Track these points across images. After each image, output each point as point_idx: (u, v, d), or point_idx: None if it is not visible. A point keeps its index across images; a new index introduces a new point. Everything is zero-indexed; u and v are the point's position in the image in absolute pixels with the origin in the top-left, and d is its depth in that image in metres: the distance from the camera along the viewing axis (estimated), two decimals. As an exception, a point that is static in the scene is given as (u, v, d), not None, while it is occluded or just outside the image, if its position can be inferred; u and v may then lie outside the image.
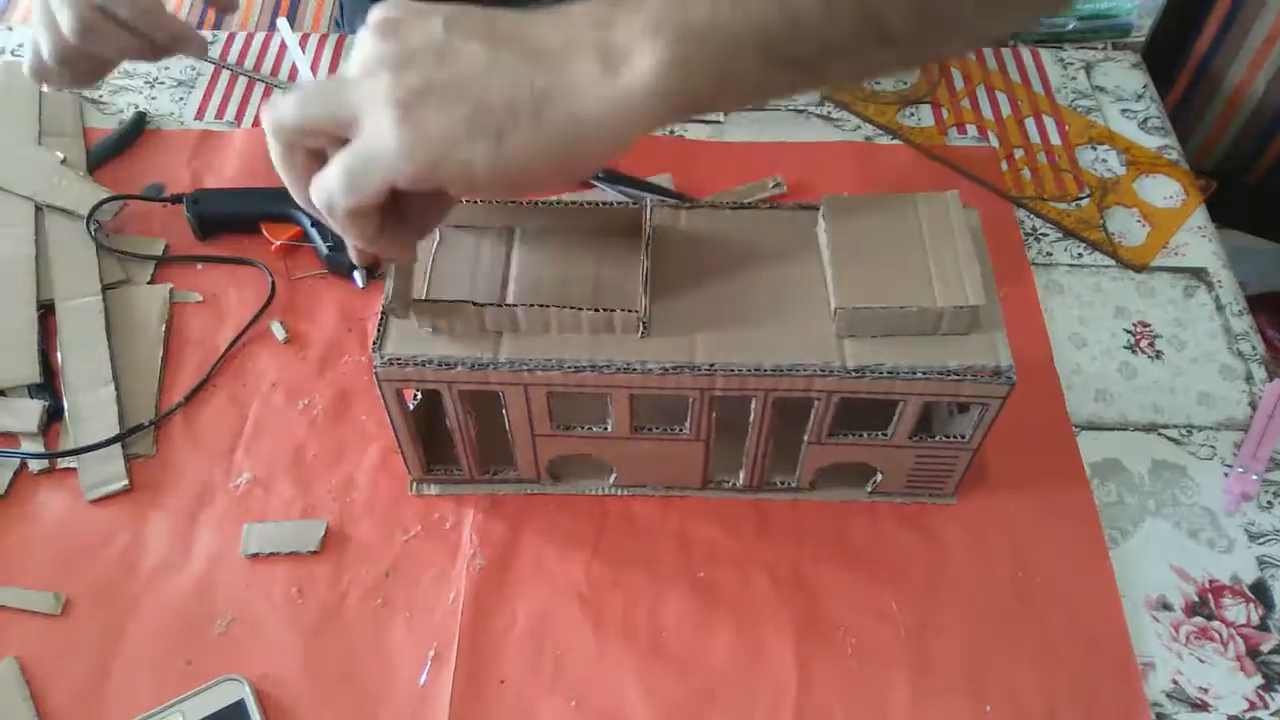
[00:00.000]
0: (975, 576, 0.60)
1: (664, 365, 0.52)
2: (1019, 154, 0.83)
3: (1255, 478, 0.64)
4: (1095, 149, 0.84)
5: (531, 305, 0.52)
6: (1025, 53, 0.91)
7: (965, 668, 0.57)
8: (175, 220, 0.76)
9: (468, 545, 0.61)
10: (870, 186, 0.80)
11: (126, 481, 0.63)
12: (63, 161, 0.77)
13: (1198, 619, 0.59)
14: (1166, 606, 0.60)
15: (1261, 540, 0.62)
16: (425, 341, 0.53)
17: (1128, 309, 0.73)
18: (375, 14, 0.43)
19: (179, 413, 0.66)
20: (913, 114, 0.86)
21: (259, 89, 0.86)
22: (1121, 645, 0.58)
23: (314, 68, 0.88)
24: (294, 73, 0.87)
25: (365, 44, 0.43)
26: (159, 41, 0.71)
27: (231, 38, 0.90)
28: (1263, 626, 0.59)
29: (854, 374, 0.53)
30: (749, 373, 0.53)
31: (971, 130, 0.85)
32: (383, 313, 0.54)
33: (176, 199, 0.75)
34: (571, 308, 0.52)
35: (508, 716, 0.55)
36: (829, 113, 0.86)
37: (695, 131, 0.83)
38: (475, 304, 0.52)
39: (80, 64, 0.71)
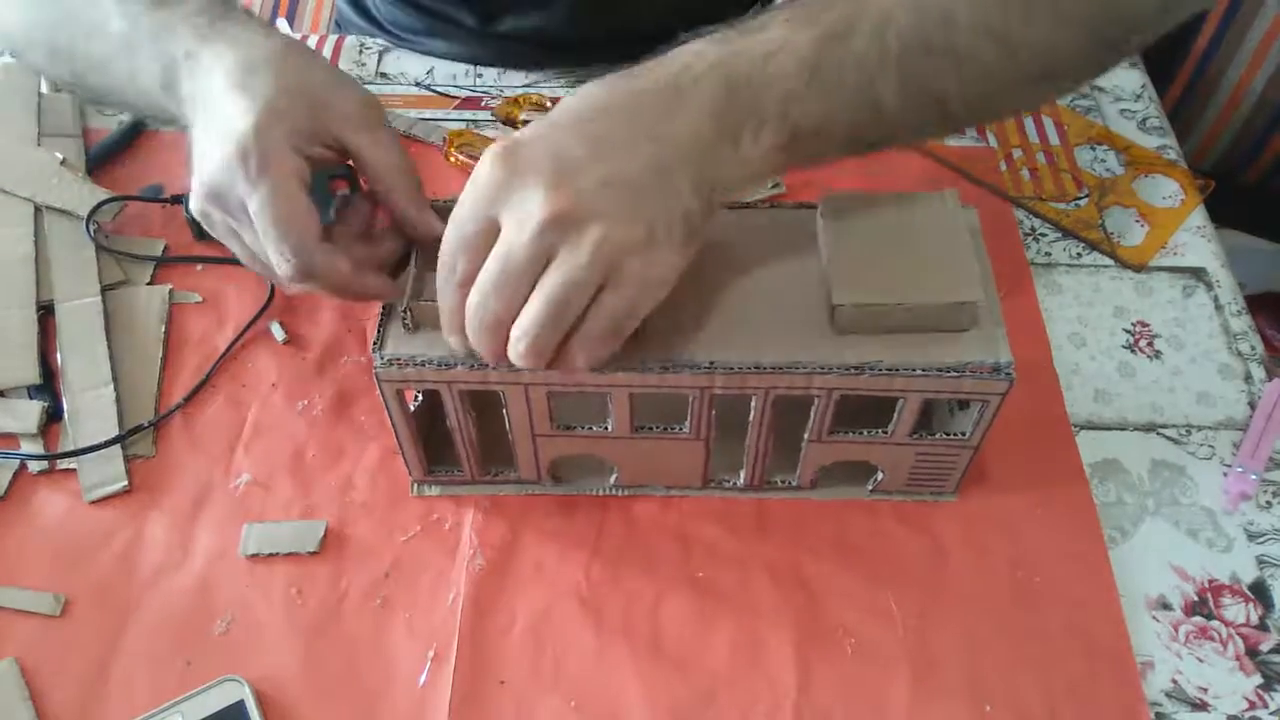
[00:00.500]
0: (975, 576, 0.60)
1: (663, 364, 0.52)
2: (1018, 154, 0.83)
3: (1254, 477, 0.64)
4: (1094, 149, 0.84)
5: None
6: (1024, 53, 0.91)
7: (965, 667, 0.57)
8: (174, 221, 0.76)
9: (467, 545, 0.61)
10: (869, 186, 0.79)
11: (126, 482, 0.63)
12: (62, 162, 0.77)
13: (1197, 618, 0.59)
14: (1166, 606, 0.60)
15: (1261, 540, 0.62)
16: (425, 342, 0.53)
17: (1126, 309, 0.73)
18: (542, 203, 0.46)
19: (178, 413, 0.66)
20: (912, 114, 0.86)
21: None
22: (1121, 645, 0.58)
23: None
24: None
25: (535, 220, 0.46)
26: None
27: (231, 38, 0.90)
28: (1262, 626, 0.59)
29: (853, 371, 0.53)
30: (748, 371, 0.53)
31: (970, 130, 0.85)
32: (383, 313, 0.54)
33: (176, 199, 0.75)
34: None
35: (507, 717, 0.55)
36: (828, 113, 0.85)
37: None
38: None
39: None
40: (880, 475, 0.61)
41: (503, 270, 0.47)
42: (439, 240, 0.51)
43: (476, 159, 0.77)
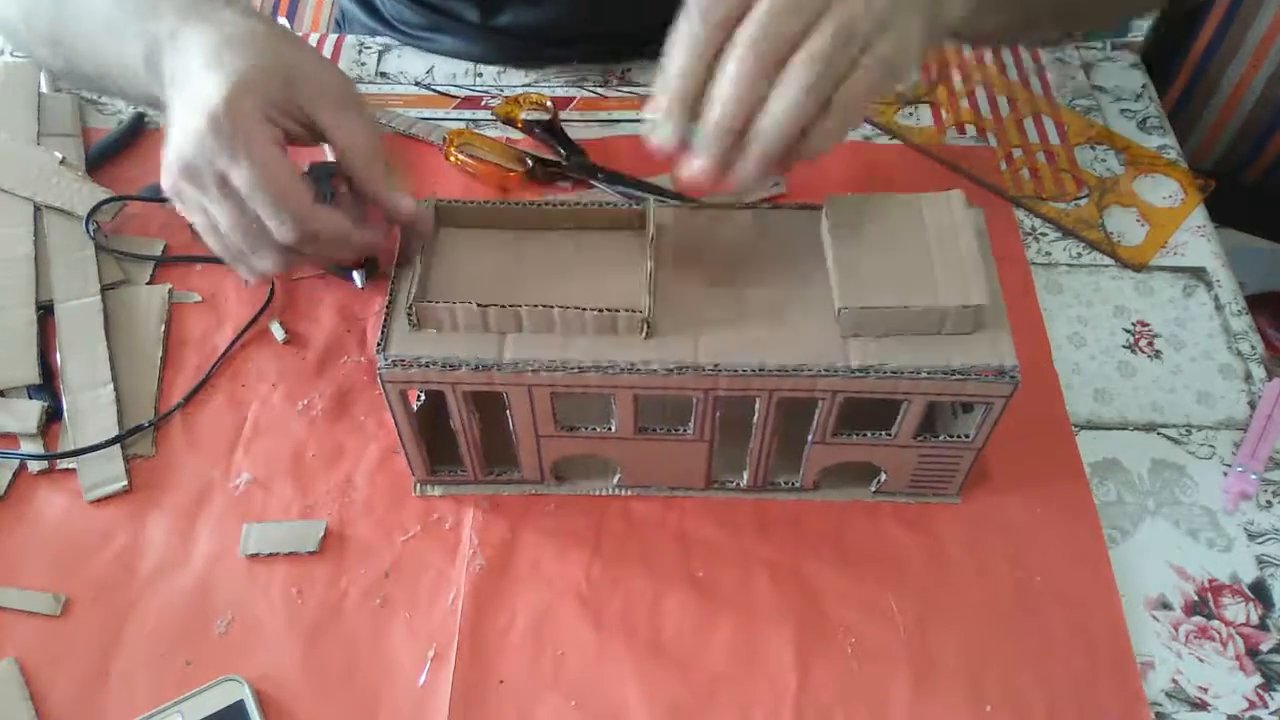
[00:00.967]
0: (975, 576, 0.60)
1: (668, 366, 0.52)
2: (1018, 154, 0.83)
3: (1254, 477, 0.64)
4: (1094, 149, 0.84)
5: (536, 306, 0.52)
6: (1024, 53, 0.91)
7: (965, 667, 0.57)
8: (174, 220, 0.75)
9: (467, 545, 0.61)
10: (869, 186, 0.80)
11: (126, 482, 0.63)
12: (62, 162, 0.77)
13: (1197, 618, 0.59)
14: (1166, 606, 0.60)
15: (1261, 539, 0.62)
16: (429, 342, 0.53)
17: (1127, 308, 0.73)
18: None
19: (178, 413, 0.66)
20: (912, 114, 0.86)
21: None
22: (1121, 644, 0.58)
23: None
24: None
25: None
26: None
27: (230, 38, 0.90)
28: (1262, 625, 0.59)
29: (858, 374, 0.52)
30: (753, 373, 0.53)
31: (970, 130, 0.85)
32: (386, 313, 0.54)
33: (175, 199, 0.75)
34: (575, 308, 0.52)
35: (508, 716, 0.55)
36: (828, 112, 0.85)
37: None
38: (479, 305, 0.52)
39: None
40: (883, 477, 0.61)
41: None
42: (408, 219, 0.54)
43: (477, 159, 0.78)
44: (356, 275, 0.72)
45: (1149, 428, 0.67)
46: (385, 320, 0.54)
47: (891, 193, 0.57)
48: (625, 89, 0.87)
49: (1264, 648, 0.58)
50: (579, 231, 0.58)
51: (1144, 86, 0.89)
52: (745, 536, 0.62)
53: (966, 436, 0.58)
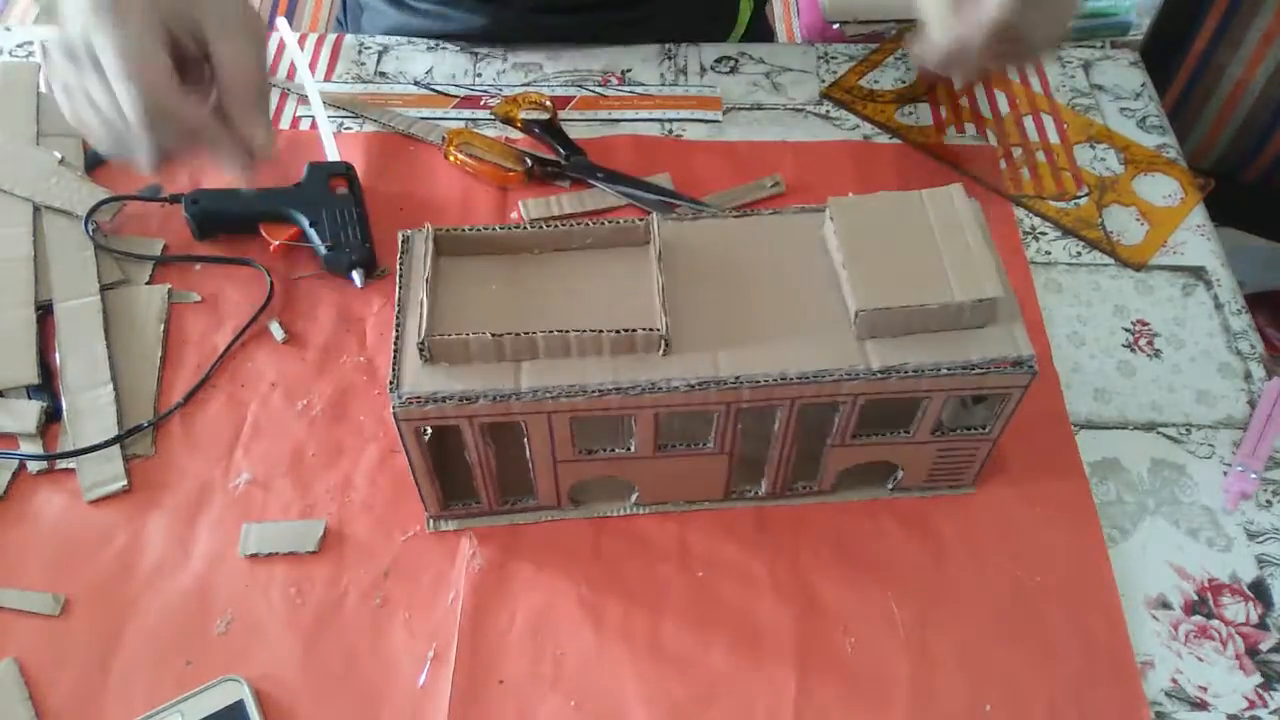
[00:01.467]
0: (974, 576, 0.60)
1: (689, 382, 0.52)
2: (1017, 152, 0.83)
3: (1254, 476, 0.64)
4: (1094, 147, 0.84)
5: (551, 331, 0.51)
6: (1024, 51, 0.91)
7: (965, 667, 0.57)
8: (173, 220, 0.76)
9: (467, 545, 0.61)
10: (869, 185, 0.80)
11: (125, 482, 0.63)
12: (61, 161, 0.77)
13: (1197, 618, 0.59)
14: (1166, 605, 0.60)
15: (1260, 539, 0.62)
16: (443, 376, 0.52)
17: (1126, 307, 0.73)
18: None
19: (178, 413, 0.66)
20: (911, 112, 0.86)
21: (257, 89, 0.86)
22: (1121, 644, 0.58)
23: (312, 66, 0.88)
24: (292, 71, 0.87)
25: None
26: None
27: (229, 37, 0.90)
28: (1262, 625, 0.59)
29: (879, 375, 0.52)
30: (775, 383, 0.52)
31: (970, 129, 0.85)
32: (395, 348, 0.52)
33: (175, 199, 0.75)
34: (592, 330, 0.51)
35: (507, 716, 0.55)
36: (827, 111, 0.86)
37: (693, 131, 0.83)
38: (494, 335, 0.51)
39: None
40: (900, 474, 0.61)
41: None
42: (261, 151, 0.56)
43: (476, 158, 0.78)
44: (356, 275, 0.72)
45: (1149, 427, 0.67)
46: (395, 356, 0.52)
47: (892, 191, 0.57)
48: (625, 89, 0.87)
49: (1264, 647, 0.58)
50: (581, 251, 0.57)
51: (1143, 85, 0.89)
52: (745, 537, 0.62)
53: (980, 428, 0.58)
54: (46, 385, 0.66)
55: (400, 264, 0.55)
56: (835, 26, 1.21)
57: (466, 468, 0.57)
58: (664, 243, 0.56)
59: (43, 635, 0.57)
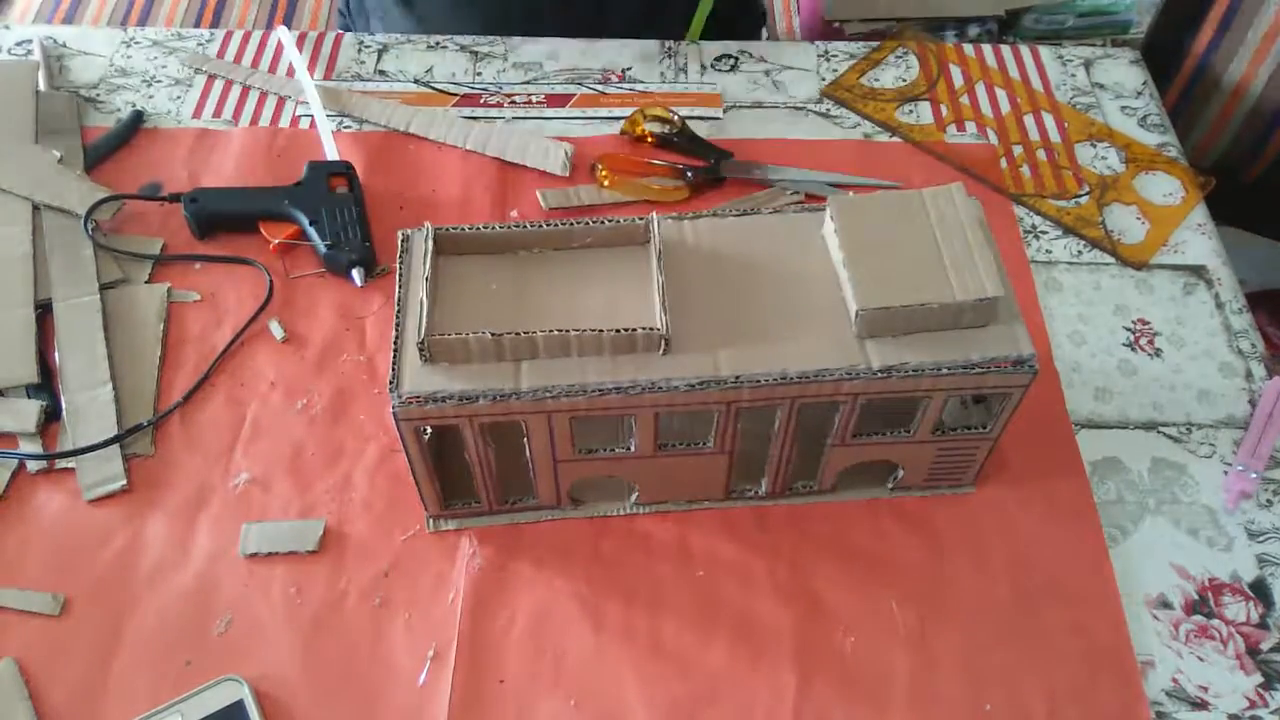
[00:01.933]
0: (974, 576, 0.60)
1: (689, 382, 0.52)
2: (1018, 151, 0.83)
3: (1255, 476, 0.64)
4: (1094, 146, 0.83)
5: (551, 331, 0.51)
6: (1024, 50, 0.91)
7: (965, 666, 0.57)
8: (173, 219, 0.76)
9: (467, 545, 0.61)
10: (869, 186, 0.80)
11: (125, 481, 0.63)
12: (60, 160, 0.77)
13: (1197, 617, 0.59)
14: (1166, 605, 0.60)
15: (1261, 538, 0.62)
16: (443, 376, 0.52)
17: (1127, 306, 0.73)
18: None
19: (177, 412, 0.66)
20: (911, 111, 0.86)
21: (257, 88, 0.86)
22: (1121, 644, 0.58)
23: (312, 66, 0.87)
24: (291, 72, 0.86)
25: None
26: None
27: (229, 36, 0.90)
28: (1262, 625, 0.59)
29: (880, 375, 0.52)
30: (775, 383, 0.52)
31: (971, 127, 0.85)
32: (395, 348, 0.52)
33: (174, 198, 0.75)
34: (591, 330, 0.51)
35: (508, 716, 0.55)
36: (828, 110, 0.85)
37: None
38: (493, 334, 0.51)
39: None
40: (900, 473, 0.61)
41: None
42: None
43: (638, 186, 0.77)
44: (356, 274, 0.72)
45: (1149, 426, 0.67)
46: (395, 355, 0.52)
47: (893, 190, 0.57)
48: (625, 86, 0.87)
49: (1264, 646, 0.58)
50: (581, 250, 0.57)
51: (1144, 84, 0.89)
52: (745, 537, 0.61)
53: (980, 427, 0.58)
54: (46, 384, 0.66)
55: (400, 263, 0.55)
56: (835, 25, 1.20)
57: (466, 468, 0.57)
58: (664, 243, 0.56)
59: (43, 635, 0.57)
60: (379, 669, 0.56)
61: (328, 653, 0.57)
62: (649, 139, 0.82)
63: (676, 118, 0.82)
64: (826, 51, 0.91)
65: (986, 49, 0.91)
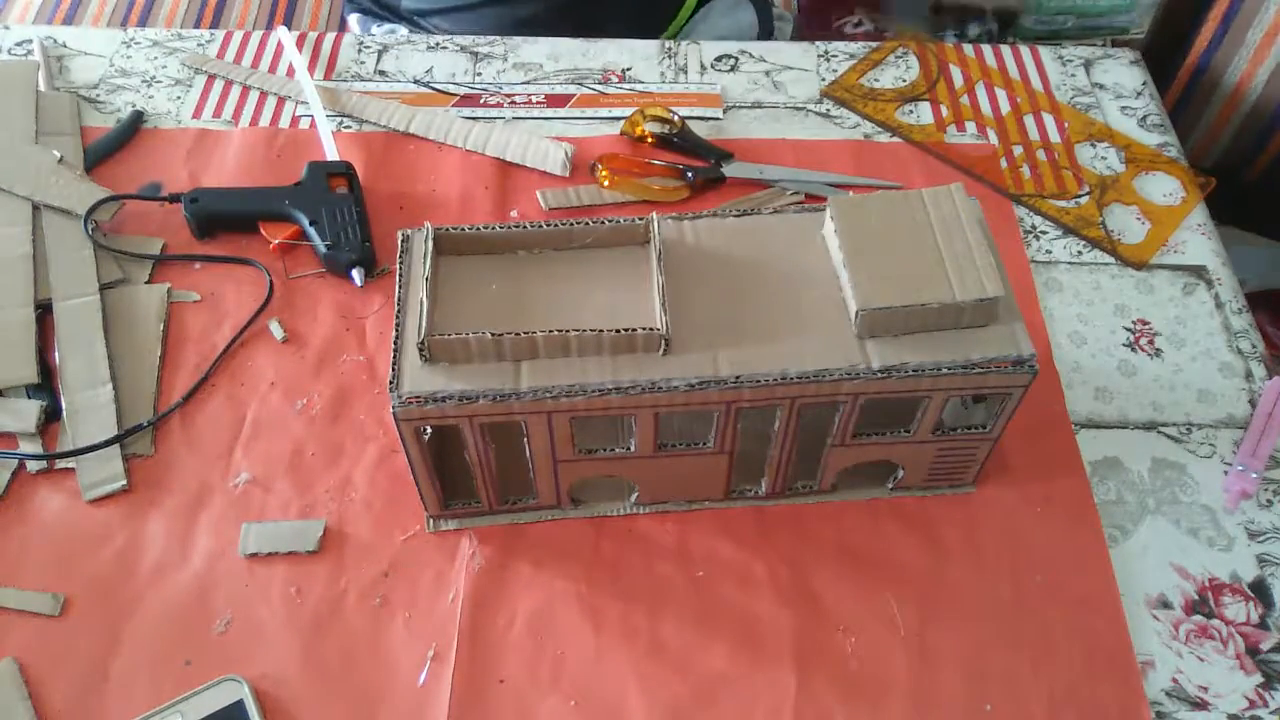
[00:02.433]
0: (975, 576, 0.60)
1: (689, 382, 0.52)
2: (1018, 151, 0.83)
3: (1255, 476, 0.64)
4: (1094, 146, 0.83)
5: (551, 331, 0.51)
6: (1024, 50, 0.91)
7: (965, 667, 0.57)
8: (173, 219, 0.76)
9: (467, 544, 0.61)
10: (869, 186, 0.80)
11: (125, 482, 0.63)
12: (60, 160, 0.77)
13: (1197, 617, 0.59)
14: (1166, 605, 0.60)
15: (1261, 538, 0.62)
16: (443, 376, 0.52)
17: (1127, 307, 0.73)
18: None
19: (177, 412, 0.66)
20: (911, 111, 0.86)
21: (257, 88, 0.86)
22: (1121, 644, 0.58)
23: (312, 66, 0.87)
24: (291, 72, 0.87)
25: None
26: None
27: (229, 37, 0.90)
28: (1262, 625, 0.59)
29: (880, 375, 0.52)
30: (775, 383, 0.52)
31: (970, 127, 0.85)
32: (395, 348, 0.52)
33: (174, 198, 0.75)
34: (591, 330, 0.51)
35: (508, 716, 0.55)
36: (828, 110, 0.85)
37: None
38: (493, 334, 0.51)
39: None
40: (901, 473, 0.61)
41: None
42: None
43: (638, 186, 0.77)
44: (355, 274, 0.72)
45: (1149, 426, 0.67)
46: (395, 355, 0.52)
47: (893, 190, 0.57)
48: (625, 86, 0.87)
49: (1264, 647, 0.58)
50: (581, 250, 0.57)
51: (1144, 84, 0.89)
52: (745, 537, 0.61)
53: (981, 427, 0.58)
54: (46, 384, 0.66)
55: (400, 263, 0.55)
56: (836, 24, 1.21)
57: (466, 468, 0.57)
58: (664, 243, 0.56)
59: (43, 635, 0.57)
60: (379, 669, 0.56)
61: (328, 653, 0.57)
62: (649, 139, 0.82)
63: (676, 118, 0.82)
64: (826, 52, 0.91)
65: (986, 49, 0.91)
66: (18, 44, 0.88)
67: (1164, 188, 0.81)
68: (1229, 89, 0.99)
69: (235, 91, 0.85)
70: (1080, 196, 0.80)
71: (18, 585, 0.59)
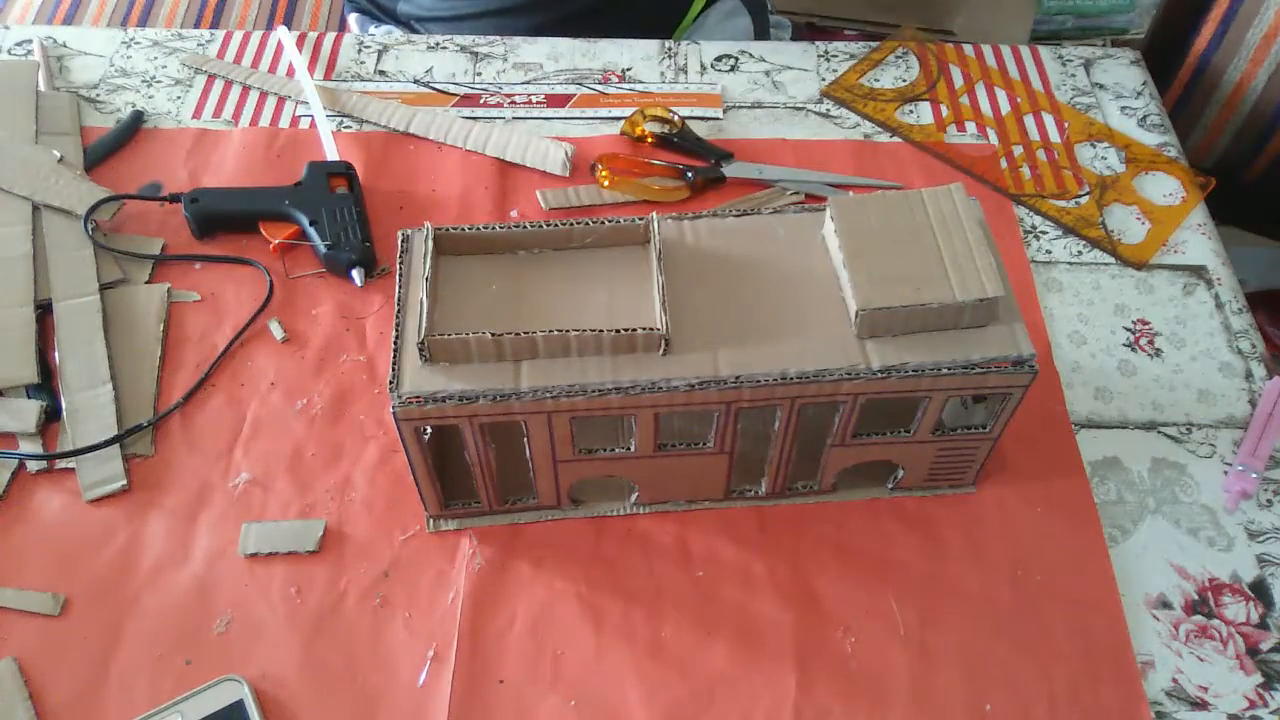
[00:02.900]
0: (974, 576, 0.60)
1: (689, 382, 0.52)
2: (1018, 151, 0.83)
3: (1255, 476, 0.64)
4: (1094, 146, 0.83)
5: (551, 331, 0.51)
6: (1024, 50, 0.91)
7: (965, 666, 0.57)
8: (173, 219, 0.76)
9: (467, 545, 0.61)
10: (869, 186, 0.80)
11: (125, 481, 0.63)
12: (60, 160, 0.77)
13: (1197, 617, 0.59)
14: (1166, 605, 0.60)
15: (1261, 538, 0.62)
16: (443, 376, 0.52)
17: (1127, 306, 0.73)
18: None
19: (177, 412, 0.66)
20: (911, 111, 0.86)
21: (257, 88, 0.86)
22: (1121, 644, 0.58)
23: (312, 66, 0.87)
24: (291, 72, 0.86)
25: None
26: None
27: (229, 37, 0.90)
28: (1262, 625, 0.59)
29: (880, 375, 0.52)
30: (775, 383, 0.52)
31: (971, 127, 0.85)
32: (395, 348, 0.52)
33: (174, 198, 0.75)
34: (591, 330, 0.51)
35: (507, 716, 0.55)
36: (828, 110, 0.85)
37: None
38: (493, 334, 0.51)
39: None
40: (901, 473, 0.61)
41: None
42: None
43: (638, 186, 0.77)
44: (355, 274, 0.72)
45: (1149, 426, 0.67)
46: (395, 355, 0.52)
47: (893, 190, 0.57)
48: (625, 86, 0.87)
49: (1264, 647, 0.58)
50: (580, 250, 0.57)
51: (1144, 84, 0.89)
52: (745, 537, 0.61)
53: (981, 427, 0.58)
54: (46, 384, 0.66)
55: (400, 263, 0.55)
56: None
57: (466, 468, 0.57)
58: (664, 243, 0.56)
59: (43, 635, 0.57)
60: (379, 669, 0.56)
61: (328, 653, 0.57)
62: (649, 139, 0.82)
63: (676, 118, 0.82)
64: (826, 52, 0.91)
65: (986, 49, 0.91)
66: (18, 44, 0.88)
67: (1164, 188, 0.81)
68: (1229, 89, 0.99)
69: (235, 91, 0.85)
70: (1080, 196, 0.80)
71: (18, 585, 0.59)
